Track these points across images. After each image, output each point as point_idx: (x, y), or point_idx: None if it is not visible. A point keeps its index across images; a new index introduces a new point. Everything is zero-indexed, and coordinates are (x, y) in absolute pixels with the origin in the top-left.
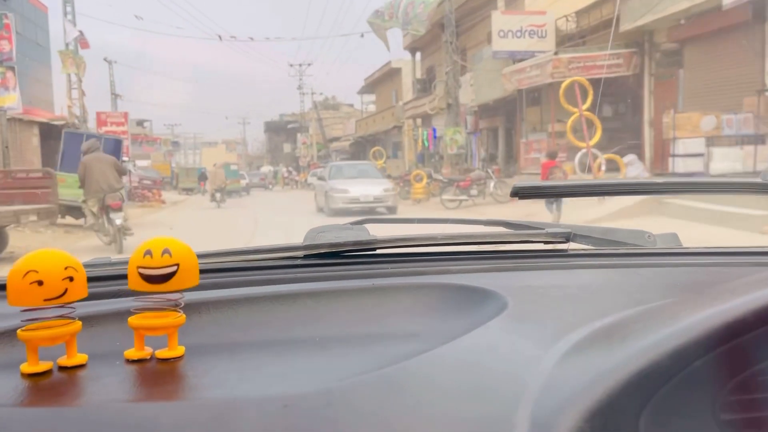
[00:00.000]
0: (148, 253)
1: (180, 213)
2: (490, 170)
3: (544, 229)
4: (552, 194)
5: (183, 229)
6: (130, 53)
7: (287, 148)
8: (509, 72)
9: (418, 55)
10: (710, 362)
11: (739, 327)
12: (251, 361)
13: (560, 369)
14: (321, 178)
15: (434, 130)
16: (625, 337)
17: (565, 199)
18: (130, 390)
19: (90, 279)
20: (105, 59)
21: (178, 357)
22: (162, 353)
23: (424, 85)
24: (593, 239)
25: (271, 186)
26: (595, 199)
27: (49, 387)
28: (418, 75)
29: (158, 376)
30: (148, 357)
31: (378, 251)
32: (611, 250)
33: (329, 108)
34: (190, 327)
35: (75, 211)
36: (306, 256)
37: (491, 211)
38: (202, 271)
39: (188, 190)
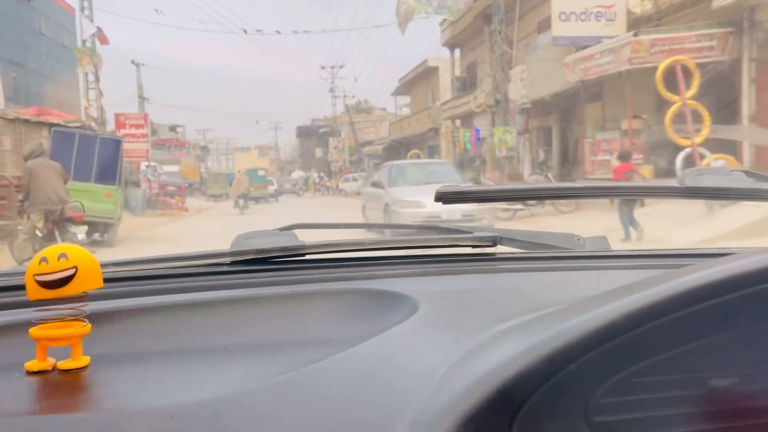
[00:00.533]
0: (44, 260)
1: (199, 222)
2: (549, 175)
3: (472, 233)
4: (476, 198)
5: (191, 243)
6: (160, 58)
7: (319, 152)
8: (573, 60)
9: (457, 52)
10: (583, 366)
11: (609, 331)
12: (155, 371)
13: (448, 375)
14: (376, 184)
15: (477, 131)
16: (514, 342)
17: (653, 213)
18: (27, 402)
19: None
20: (132, 62)
21: (82, 368)
22: (64, 364)
23: (464, 84)
24: (521, 242)
25: (301, 192)
26: (701, 212)
27: None
28: (457, 73)
29: (58, 388)
30: (50, 368)
31: (307, 257)
32: (539, 254)
33: (361, 111)
34: (100, 337)
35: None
36: (233, 263)
37: (553, 222)
38: (121, 279)
39: (216, 197)
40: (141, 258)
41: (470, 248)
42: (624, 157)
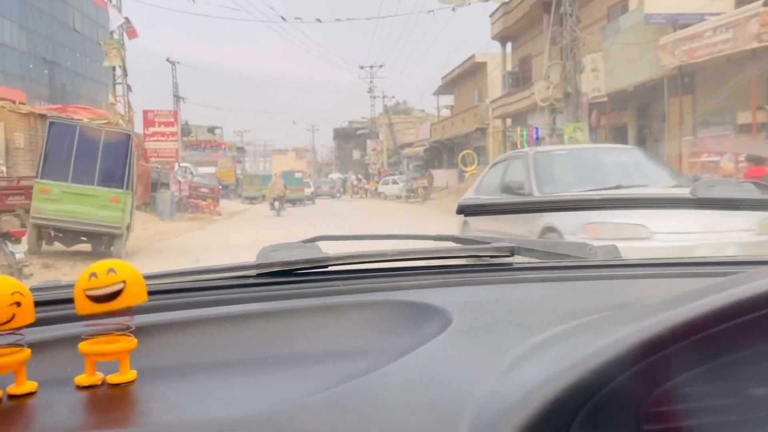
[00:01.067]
0: (93, 275)
1: (228, 229)
2: None
3: (490, 243)
4: (495, 211)
5: (213, 258)
6: (198, 60)
7: (356, 154)
8: (671, 42)
9: (508, 46)
10: (632, 377)
11: (657, 344)
12: (203, 383)
13: (499, 385)
14: (511, 189)
15: (536, 129)
16: (558, 353)
17: None
18: (81, 417)
19: (37, 303)
20: (168, 60)
21: (130, 382)
22: (113, 378)
23: (517, 79)
24: (537, 252)
25: (339, 195)
26: None
27: None
28: (509, 68)
29: (110, 402)
30: (100, 383)
31: (330, 268)
32: (554, 263)
33: (400, 113)
34: (141, 350)
35: (69, 235)
36: (259, 275)
37: None
38: (152, 293)
39: (252, 199)
40: (170, 271)
41: (488, 258)
42: (756, 160)
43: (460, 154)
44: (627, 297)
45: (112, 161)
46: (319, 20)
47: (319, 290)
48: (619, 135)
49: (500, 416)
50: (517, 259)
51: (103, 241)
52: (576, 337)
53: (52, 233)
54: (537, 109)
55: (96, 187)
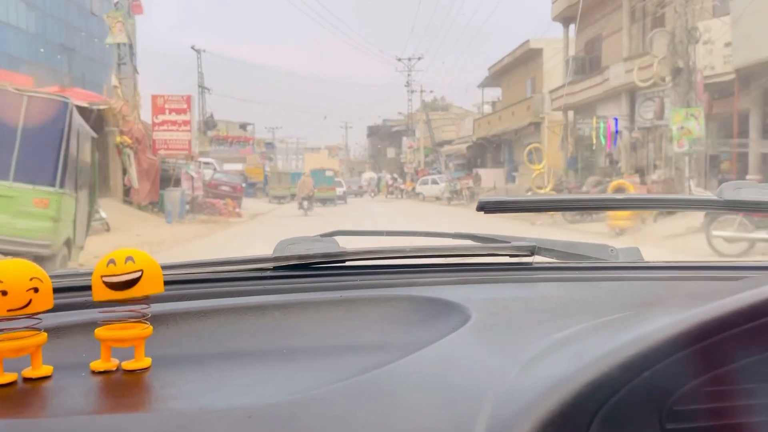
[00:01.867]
0: (112, 262)
1: (241, 235)
2: None
3: (510, 242)
4: (517, 209)
5: None
6: (230, 53)
7: (391, 153)
8: None
9: (571, 28)
10: (658, 373)
11: (684, 341)
12: (218, 372)
13: (519, 380)
14: None
15: (616, 121)
16: (580, 349)
17: None
18: (95, 401)
19: (56, 290)
20: (192, 47)
21: (145, 368)
22: (128, 364)
23: (583, 65)
24: (557, 252)
25: (372, 194)
26: None
27: (14, 398)
28: (572, 52)
29: (124, 388)
30: (115, 368)
31: (347, 263)
32: (574, 264)
33: (438, 109)
34: (157, 338)
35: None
36: (275, 268)
37: None
38: (170, 282)
39: (280, 198)
40: (187, 262)
41: (508, 257)
42: None
43: (527, 149)
44: (649, 298)
45: (39, 144)
46: None
47: (335, 284)
48: (734, 125)
49: (519, 411)
50: (537, 259)
51: None
52: (599, 334)
53: None
54: (609, 99)
55: (12, 184)
